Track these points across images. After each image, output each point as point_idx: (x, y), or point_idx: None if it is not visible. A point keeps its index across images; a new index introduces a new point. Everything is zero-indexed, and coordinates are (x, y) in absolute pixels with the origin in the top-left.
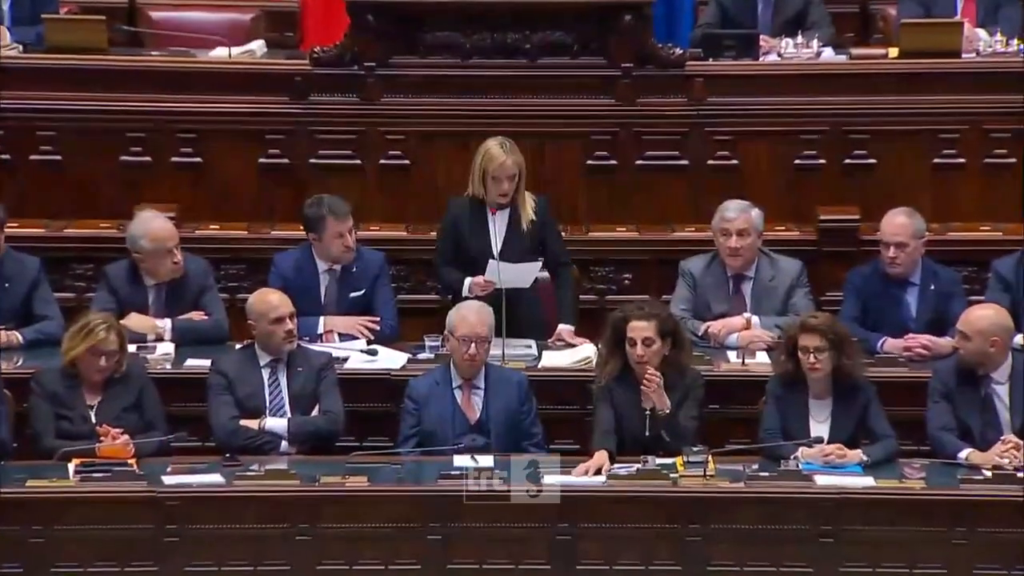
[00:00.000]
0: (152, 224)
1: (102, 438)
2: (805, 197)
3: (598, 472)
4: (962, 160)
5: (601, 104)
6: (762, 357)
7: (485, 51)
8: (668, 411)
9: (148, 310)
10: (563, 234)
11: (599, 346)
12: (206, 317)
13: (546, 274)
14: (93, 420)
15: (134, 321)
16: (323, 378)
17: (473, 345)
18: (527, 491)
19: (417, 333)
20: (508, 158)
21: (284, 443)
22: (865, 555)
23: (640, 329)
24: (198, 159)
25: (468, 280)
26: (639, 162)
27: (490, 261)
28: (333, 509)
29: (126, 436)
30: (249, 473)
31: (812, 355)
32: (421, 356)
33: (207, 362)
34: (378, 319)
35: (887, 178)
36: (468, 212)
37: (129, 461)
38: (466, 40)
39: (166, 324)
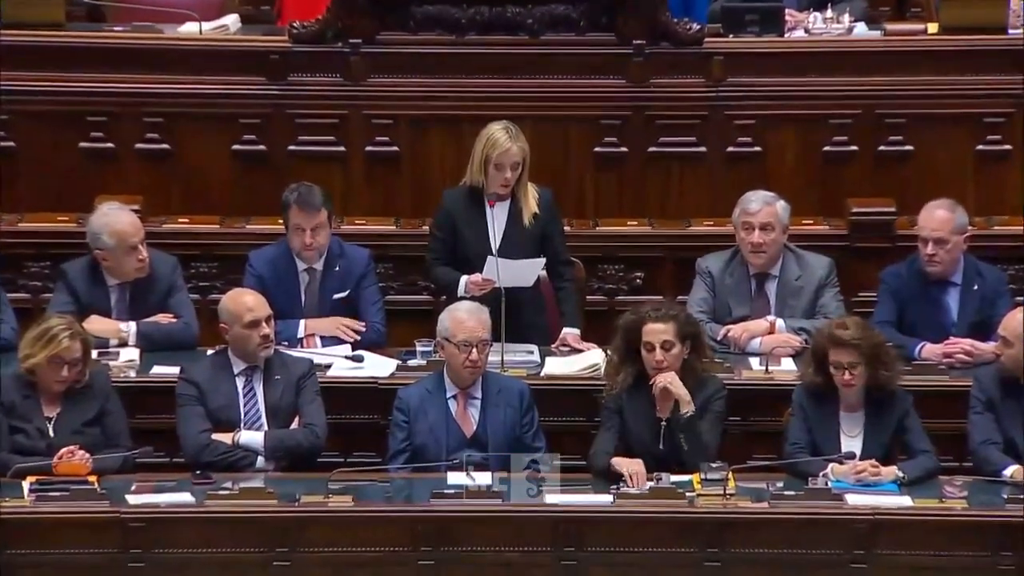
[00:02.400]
0: (115, 218)
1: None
2: (835, 188)
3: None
4: (1008, 147)
5: (610, 85)
6: (787, 364)
7: (482, 27)
8: (692, 411)
9: (110, 312)
10: (569, 229)
11: (608, 353)
12: (174, 320)
13: (544, 273)
14: (51, 434)
15: (95, 324)
16: (303, 387)
17: (474, 350)
18: (528, 509)
19: (407, 337)
20: (513, 144)
21: (260, 459)
22: None
23: (658, 332)
24: (166, 146)
25: (464, 279)
26: (652, 149)
27: (488, 258)
28: (315, 531)
29: (83, 452)
30: (222, 492)
31: (846, 372)
32: (412, 363)
33: (175, 369)
34: (363, 322)
35: (925, 167)
36: (464, 204)
37: (89, 479)
38: (461, 14)
39: (130, 327)
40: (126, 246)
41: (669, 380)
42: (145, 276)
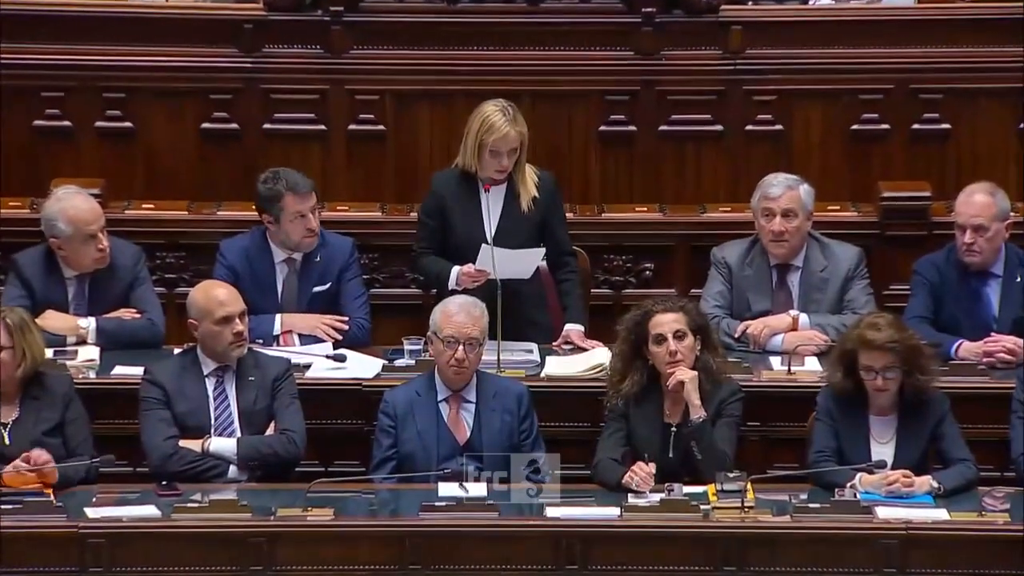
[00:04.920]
0: (71, 203)
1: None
2: (865, 170)
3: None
4: None
5: (618, 58)
6: (812, 364)
7: None
8: (703, 417)
9: (67, 307)
10: (572, 215)
11: (612, 358)
12: (137, 316)
13: (544, 264)
14: (7, 441)
15: (51, 320)
16: (280, 389)
17: (461, 348)
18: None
19: (394, 335)
20: (511, 129)
21: (232, 468)
22: None
23: (668, 321)
24: (128, 124)
25: (455, 270)
26: (664, 128)
27: (483, 246)
28: (292, 548)
29: (47, 456)
30: (190, 505)
31: (879, 377)
32: (399, 363)
33: (139, 370)
34: (346, 318)
35: (964, 147)
36: (455, 189)
37: (45, 491)
38: None
39: (89, 324)
40: (84, 234)
41: (690, 377)
42: (105, 267)
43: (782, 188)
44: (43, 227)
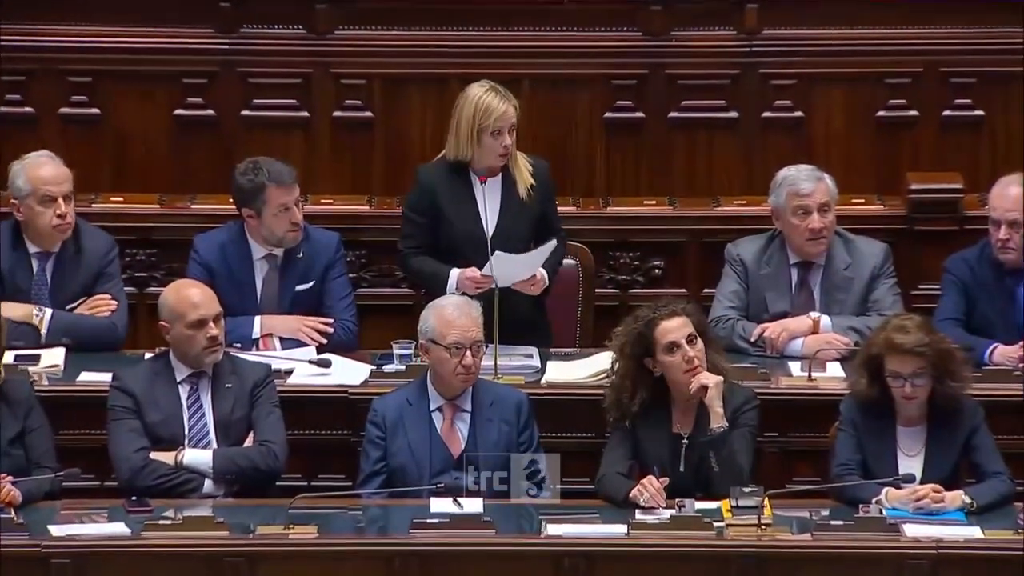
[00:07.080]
0: (36, 162)
1: None
2: (891, 161)
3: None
4: None
5: (624, 39)
6: (834, 370)
7: None
8: (724, 427)
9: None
10: (575, 209)
11: (614, 375)
12: (102, 306)
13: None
14: None
15: (6, 309)
16: (259, 397)
17: (468, 353)
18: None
19: (383, 338)
20: (508, 105)
21: (208, 482)
22: None
23: (677, 327)
24: (94, 110)
25: (455, 273)
26: (674, 115)
27: (495, 254)
28: (273, 568)
29: (9, 488)
30: (163, 522)
31: (907, 384)
32: (388, 368)
33: (107, 376)
34: (331, 320)
35: (999, 136)
36: (447, 182)
37: (5, 506)
38: None
39: (44, 313)
40: (41, 194)
41: (715, 382)
42: (72, 249)
43: (814, 182)
44: (9, 189)
